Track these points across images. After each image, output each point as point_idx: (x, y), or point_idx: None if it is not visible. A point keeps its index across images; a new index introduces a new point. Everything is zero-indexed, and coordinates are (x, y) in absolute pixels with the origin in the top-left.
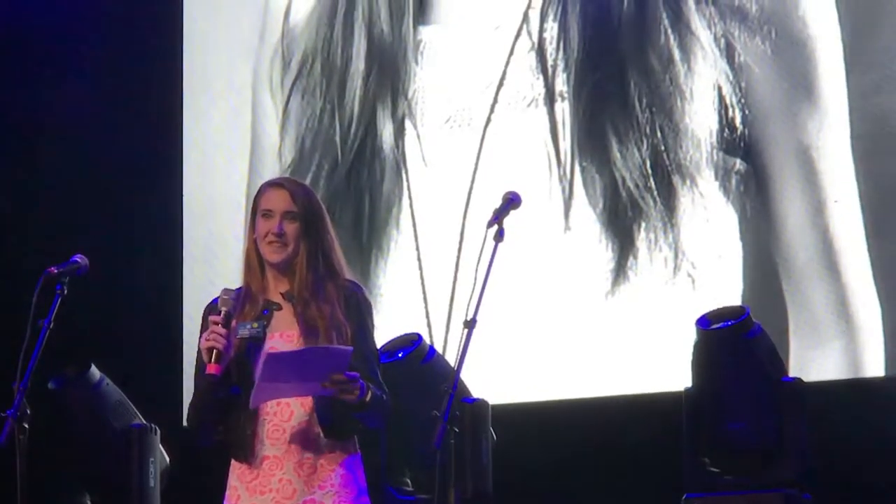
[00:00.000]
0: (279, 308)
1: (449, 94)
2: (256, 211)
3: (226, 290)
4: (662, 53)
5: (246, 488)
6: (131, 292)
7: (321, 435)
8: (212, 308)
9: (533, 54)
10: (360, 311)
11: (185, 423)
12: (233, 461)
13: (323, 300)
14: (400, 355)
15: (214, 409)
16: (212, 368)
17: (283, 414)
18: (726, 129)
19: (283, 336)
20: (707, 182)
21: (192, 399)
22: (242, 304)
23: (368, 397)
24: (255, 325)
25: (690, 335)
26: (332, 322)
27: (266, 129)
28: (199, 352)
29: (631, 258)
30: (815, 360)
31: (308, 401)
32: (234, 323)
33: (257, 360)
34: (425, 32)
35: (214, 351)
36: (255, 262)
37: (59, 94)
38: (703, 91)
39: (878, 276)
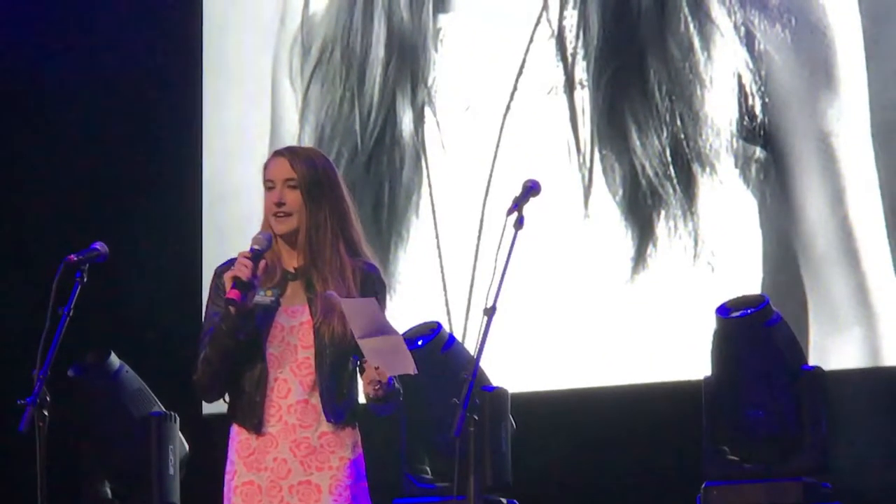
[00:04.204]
0: (294, 278)
1: (468, 82)
2: (264, 185)
3: (261, 232)
4: (682, 41)
5: (243, 463)
6: (151, 280)
7: (322, 415)
8: (224, 269)
9: (553, 42)
10: (374, 292)
11: (194, 377)
12: (232, 434)
13: (338, 276)
14: (419, 343)
15: (230, 356)
16: (232, 294)
17: (281, 390)
18: (746, 117)
19: (288, 311)
20: (727, 170)
21: (202, 352)
22: (260, 273)
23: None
24: (270, 293)
25: (710, 323)
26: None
27: (286, 116)
28: (208, 305)
29: (650, 246)
30: (834, 348)
31: (307, 379)
32: (261, 264)
33: (267, 329)
34: (445, 20)
35: (237, 280)
36: (273, 239)
37: (78, 82)
38: (722, 79)
39: None
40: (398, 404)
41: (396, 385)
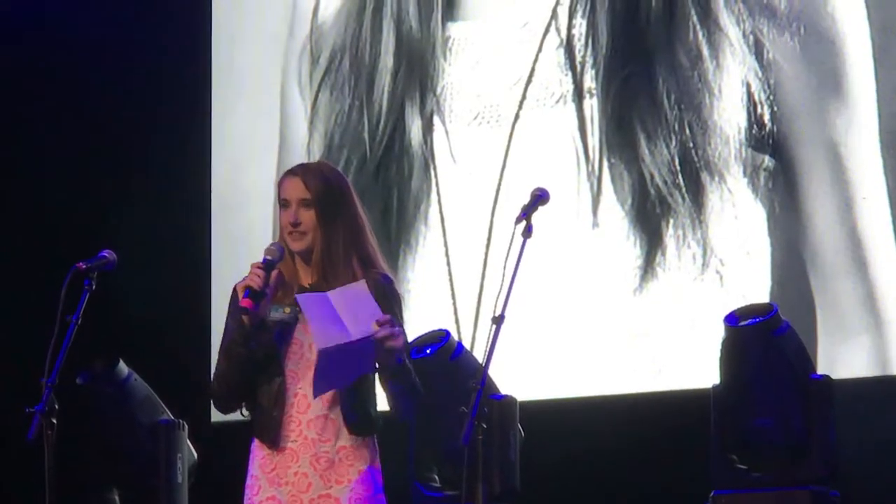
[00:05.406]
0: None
1: (477, 91)
2: (279, 203)
3: (273, 243)
4: (691, 50)
5: (266, 479)
6: (160, 288)
7: (341, 429)
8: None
9: (561, 51)
10: (388, 302)
11: (210, 389)
12: (254, 449)
13: None
14: (428, 351)
15: (245, 366)
16: (245, 303)
17: (301, 405)
18: (755, 126)
19: (305, 327)
20: (735, 179)
21: (218, 364)
22: (275, 288)
23: (405, 353)
24: (288, 309)
25: (718, 332)
26: None
27: (295, 124)
28: (226, 320)
29: (659, 255)
30: (843, 357)
31: (327, 394)
32: (274, 273)
33: (286, 345)
34: (454, 29)
35: (250, 289)
36: (285, 251)
37: (87, 90)
38: (731, 88)
39: None
40: (416, 401)
41: (407, 362)
